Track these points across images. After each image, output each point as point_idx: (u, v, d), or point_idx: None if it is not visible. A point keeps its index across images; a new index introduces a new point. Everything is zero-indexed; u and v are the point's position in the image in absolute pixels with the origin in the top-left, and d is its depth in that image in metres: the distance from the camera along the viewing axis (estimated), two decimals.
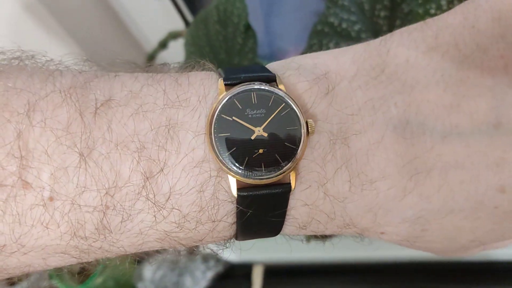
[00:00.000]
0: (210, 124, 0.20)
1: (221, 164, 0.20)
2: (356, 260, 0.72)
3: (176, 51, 0.56)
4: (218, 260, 0.77)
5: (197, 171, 0.20)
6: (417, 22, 0.23)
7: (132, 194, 0.19)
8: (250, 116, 0.20)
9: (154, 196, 0.19)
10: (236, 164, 0.20)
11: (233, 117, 0.20)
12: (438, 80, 0.21)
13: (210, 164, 0.20)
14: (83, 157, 0.19)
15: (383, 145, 0.21)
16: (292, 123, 0.20)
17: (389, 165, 0.21)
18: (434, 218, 0.22)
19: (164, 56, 0.60)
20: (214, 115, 0.20)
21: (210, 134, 0.20)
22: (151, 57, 0.57)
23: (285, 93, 0.21)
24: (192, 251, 0.76)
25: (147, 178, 0.19)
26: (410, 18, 0.42)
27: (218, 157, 0.20)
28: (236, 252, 0.77)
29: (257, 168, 0.20)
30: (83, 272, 0.73)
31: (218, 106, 0.20)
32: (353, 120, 0.21)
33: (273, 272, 0.75)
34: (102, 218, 0.19)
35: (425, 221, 0.22)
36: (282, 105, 0.20)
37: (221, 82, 0.21)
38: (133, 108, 0.20)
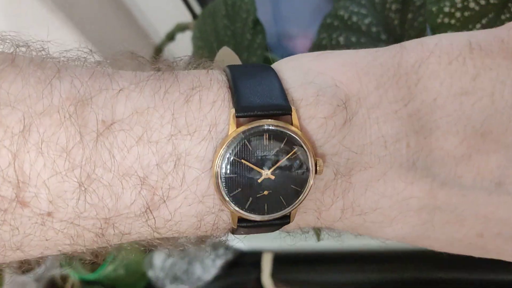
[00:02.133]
0: (218, 164, 0.19)
1: (224, 202, 0.19)
2: (365, 248, 0.73)
3: (183, 43, 0.55)
4: (227, 248, 0.77)
5: (199, 203, 0.19)
6: (464, 39, 0.21)
7: (131, 219, 0.19)
8: (259, 157, 0.19)
9: (154, 221, 0.19)
10: (239, 204, 0.19)
11: (242, 159, 0.19)
12: (458, 130, 0.20)
13: (213, 199, 0.20)
14: (82, 187, 0.18)
15: (383, 180, 0.21)
16: (301, 166, 0.19)
17: (384, 200, 0.21)
18: (411, 239, 0.23)
19: (171, 48, 0.59)
20: (222, 156, 0.19)
21: (216, 173, 0.19)
22: (159, 50, 0.56)
23: (299, 135, 0.19)
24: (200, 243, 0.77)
25: (149, 207, 0.19)
26: (423, 12, 0.41)
27: (222, 196, 0.19)
28: (245, 240, 0.78)
29: (259, 209, 0.20)
30: (94, 261, 0.74)
31: (228, 147, 0.19)
32: (361, 157, 0.20)
33: (282, 260, 0.75)
34: (101, 235, 0.19)
35: (402, 238, 0.23)
36: (293, 150, 0.19)
37: (232, 115, 0.19)
38: (137, 134, 0.18)
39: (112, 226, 0.19)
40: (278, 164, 0.19)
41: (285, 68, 0.22)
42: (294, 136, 0.19)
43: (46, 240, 0.19)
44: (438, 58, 0.21)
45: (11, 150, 0.17)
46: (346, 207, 0.21)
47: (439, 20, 0.33)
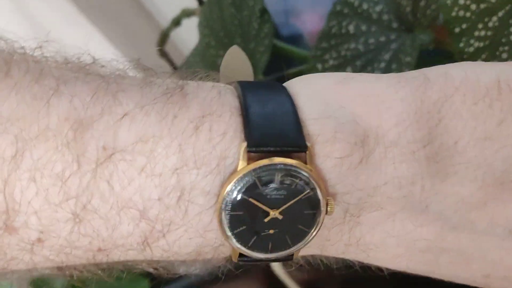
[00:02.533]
0: (223, 200, 0.18)
1: (226, 239, 0.18)
2: None
3: (190, 29, 0.54)
4: None
5: (200, 237, 0.19)
6: (493, 76, 0.20)
7: (127, 249, 0.18)
8: (268, 196, 0.18)
9: (151, 251, 0.18)
10: (242, 242, 0.18)
11: (250, 198, 0.18)
12: (477, 177, 0.19)
13: (215, 234, 0.19)
14: (77, 218, 0.17)
15: (392, 220, 0.20)
16: (312, 207, 0.18)
17: (390, 239, 0.20)
18: (415, 272, 0.22)
19: (178, 33, 0.58)
20: (229, 192, 0.18)
21: (221, 209, 0.18)
22: (165, 35, 0.55)
23: (312, 175, 0.18)
24: None
25: (146, 239, 0.18)
26: None
27: (224, 233, 0.18)
28: None
29: (263, 247, 0.19)
30: None
31: (236, 184, 0.18)
32: (374, 197, 0.19)
33: None
34: (92, 261, 0.19)
35: (405, 270, 0.22)
36: (306, 191, 0.18)
37: (244, 149, 0.18)
38: (139, 165, 0.17)
39: (106, 256, 0.18)
40: (287, 205, 0.18)
41: (302, 93, 0.20)
42: (308, 176, 0.18)
43: (34, 264, 0.18)
44: (463, 97, 0.19)
45: (1, 176, 0.16)
46: (351, 243, 0.20)
47: (453, 14, 0.32)
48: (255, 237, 0.18)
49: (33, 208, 0.16)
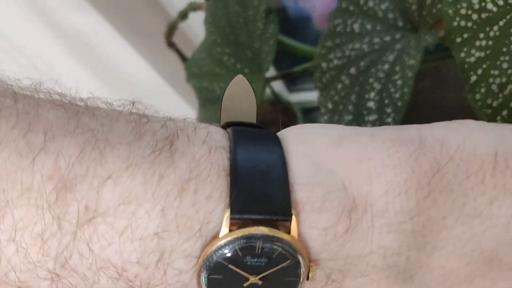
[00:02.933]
0: (203, 263, 0.18)
1: None
2: None
3: (197, 22, 0.55)
4: None
5: None
6: (490, 146, 0.19)
7: None
8: (248, 263, 0.18)
9: None
10: None
11: (230, 265, 0.18)
12: (465, 253, 0.19)
13: None
14: (56, 277, 0.17)
15: (375, 285, 0.20)
16: (293, 274, 0.18)
17: None
18: None
19: (187, 24, 0.59)
20: (209, 258, 0.18)
21: (199, 272, 0.18)
22: (172, 28, 0.56)
23: (295, 246, 0.18)
24: None
25: None
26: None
27: None
28: None
29: None
30: None
31: (217, 249, 0.18)
32: (358, 265, 0.19)
33: None
34: None
35: None
36: (287, 261, 0.18)
37: (226, 217, 0.18)
38: (120, 228, 0.17)
39: None
40: (267, 272, 0.18)
41: (295, 152, 0.20)
42: (290, 248, 0.18)
43: None
44: (456, 168, 0.19)
45: None
46: None
47: (455, 24, 0.32)
48: None
49: (12, 265, 0.17)
